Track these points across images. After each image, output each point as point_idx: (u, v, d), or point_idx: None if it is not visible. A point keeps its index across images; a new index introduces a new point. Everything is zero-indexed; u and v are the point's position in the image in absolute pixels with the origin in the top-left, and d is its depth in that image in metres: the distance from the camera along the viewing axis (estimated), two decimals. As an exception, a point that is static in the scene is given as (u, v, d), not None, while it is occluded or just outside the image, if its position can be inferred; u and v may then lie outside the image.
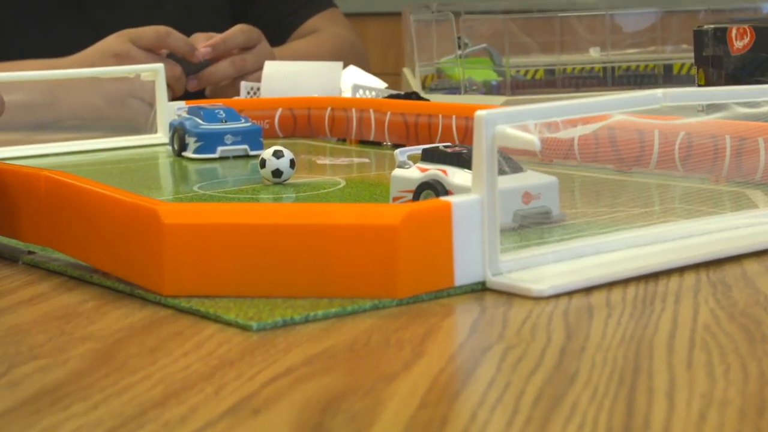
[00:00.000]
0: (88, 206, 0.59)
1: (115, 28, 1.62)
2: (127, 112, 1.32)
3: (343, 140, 1.17)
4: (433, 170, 0.70)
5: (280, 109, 1.21)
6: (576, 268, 0.57)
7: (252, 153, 1.04)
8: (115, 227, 0.57)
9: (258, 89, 1.32)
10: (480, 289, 0.55)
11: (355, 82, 1.28)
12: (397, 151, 0.73)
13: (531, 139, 0.54)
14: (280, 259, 0.53)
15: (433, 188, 0.69)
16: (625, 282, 0.56)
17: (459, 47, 1.46)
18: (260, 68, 1.40)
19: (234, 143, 1.05)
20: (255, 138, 1.06)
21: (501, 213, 0.54)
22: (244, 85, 1.33)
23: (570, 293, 0.54)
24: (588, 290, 0.55)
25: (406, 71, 1.52)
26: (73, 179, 0.62)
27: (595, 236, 0.61)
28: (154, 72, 1.19)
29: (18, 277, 0.62)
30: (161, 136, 1.19)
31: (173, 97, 1.35)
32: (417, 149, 0.73)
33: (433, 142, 1.06)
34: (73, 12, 1.65)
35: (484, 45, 1.46)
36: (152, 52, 1.39)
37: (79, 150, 1.15)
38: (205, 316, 0.52)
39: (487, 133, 0.55)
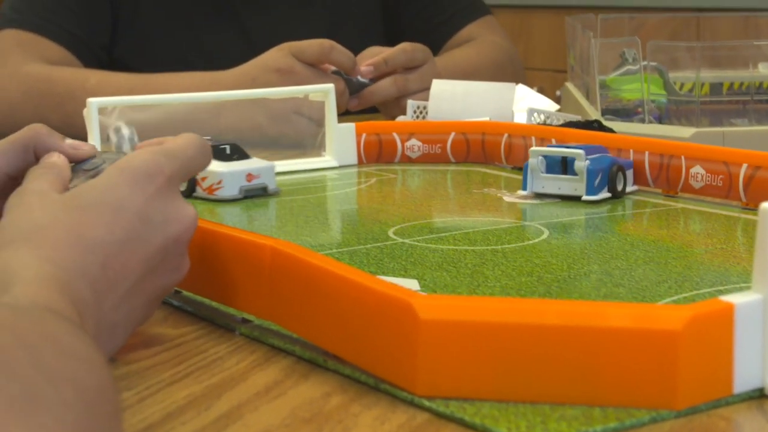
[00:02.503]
0: (323, 286, 0.55)
1: (266, 34, 1.59)
2: (290, 129, 1.29)
3: (520, 168, 1.12)
4: None
5: (453, 133, 1.17)
6: None
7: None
8: (358, 314, 0.53)
9: (425, 108, 1.28)
10: (758, 396, 0.50)
11: (528, 104, 1.23)
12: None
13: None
14: (546, 362, 0.49)
15: None
16: None
17: (628, 62, 1.40)
18: (424, 88, 1.35)
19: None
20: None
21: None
22: (410, 104, 1.29)
23: None
24: None
25: (570, 87, 1.46)
26: (302, 253, 0.58)
27: None
28: (324, 93, 1.15)
29: (241, 354, 0.59)
30: (330, 159, 1.16)
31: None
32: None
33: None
34: (224, 18, 1.62)
35: (654, 63, 1.40)
36: (315, 66, 1.35)
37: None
38: (470, 426, 0.47)
39: (777, 229, 0.49)
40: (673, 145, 0.98)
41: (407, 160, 1.17)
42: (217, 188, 0.99)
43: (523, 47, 3.50)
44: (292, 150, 1.21)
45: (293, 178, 1.10)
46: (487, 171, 1.13)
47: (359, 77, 1.38)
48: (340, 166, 1.16)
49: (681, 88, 1.47)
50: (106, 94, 1.39)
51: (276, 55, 1.36)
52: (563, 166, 0.95)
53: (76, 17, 1.54)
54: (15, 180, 0.60)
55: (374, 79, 1.38)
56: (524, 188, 0.97)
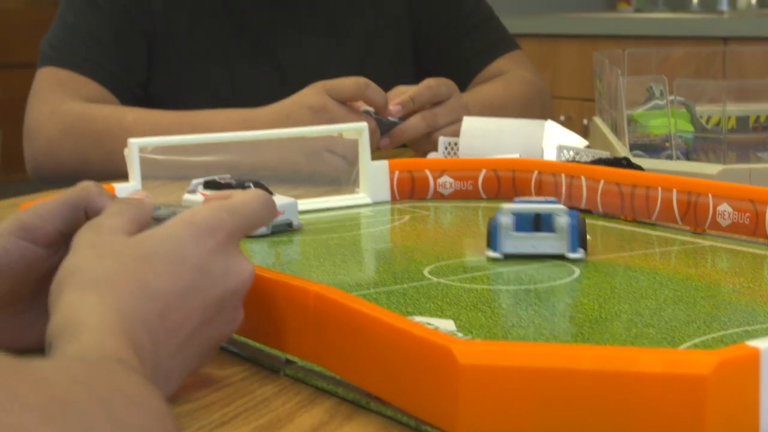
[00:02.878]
0: (365, 330, 0.58)
1: (299, 70, 1.63)
2: (324, 167, 1.31)
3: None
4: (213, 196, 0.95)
5: (484, 170, 1.19)
6: None
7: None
8: (399, 358, 0.55)
9: (456, 145, 1.30)
10: (783, 437, 0.52)
11: (558, 141, 1.25)
12: (193, 181, 1.05)
13: None
14: (581, 405, 0.51)
15: None
16: None
17: (655, 96, 1.42)
18: (453, 121, 1.38)
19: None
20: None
21: None
22: (442, 141, 1.32)
23: None
24: None
25: (598, 121, 1.49)
26: (345, 298, 0.60)
27: None
28: (358, 131, 1.18)
29: (287, 395, 0.61)
30: (364, 196, 1.18)
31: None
32: (211, 178, 1.06)
33: (651, 216, 1.04)
34: (258, 54, 1.66)
35: (681, 98, 1.42)
36: (347, 105, 1.38)
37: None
38: (509, 468, 0.50)
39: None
40: (700, 183, 1.01)
41: (440, 196, 1.20)
42: None
43: (550, 75, 3.53)
44: (327, 187, 1.24)
45: (328, 216, 1.13)
46: (518, 207, 1.15)
47: (389, 117, 1.41)
48: (374, 203, 1.18)
49: (708, 122, 1.49)
50: (142, 131, 1.43)
51: (310, 93, 1.39)
52: (536, 222, 0.90)
53: (113, 55, 1.58)
54: (67, 236, 0.63)
55: (403, 117, 1.41)
56: (493, 248, 0.90)
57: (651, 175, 1.07)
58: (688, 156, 1.30)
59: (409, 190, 1.20)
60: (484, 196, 1.20)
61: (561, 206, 0.91)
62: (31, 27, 5.81)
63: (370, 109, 1.41)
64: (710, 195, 0.99)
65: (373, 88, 1.37)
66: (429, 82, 1.44)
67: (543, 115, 1.65)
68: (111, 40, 1.59)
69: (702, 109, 1.46)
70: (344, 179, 1.23)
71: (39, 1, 5.91)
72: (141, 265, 0.57)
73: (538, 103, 1.67)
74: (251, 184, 1.05)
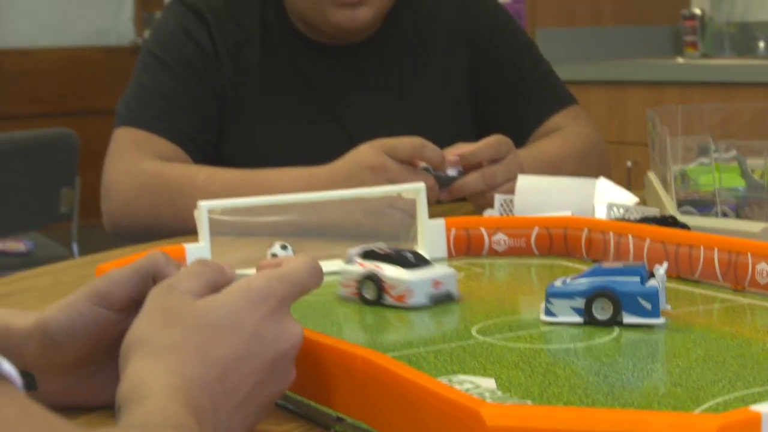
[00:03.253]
0: (405, 392, 0.64)
1: (362, 127, 1.69)
2: (385, 223, 1.37)
3: (598, 261, 1.20)
4: (371, 266, 1.03)
5: (536, 228, 1.25)
6: None
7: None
8: (435, 418, 0.61)
9: (511, 202, 1.36)
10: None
11: (608, 199, 1.30)
12: (350, 250, 1.05)
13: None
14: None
15: (372, 279, 1.02)
16: None
17: (706, 152, 1.47)
18: (510, 179, 1.43)
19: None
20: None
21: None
22: (497, 199, 1.37)
23: None
24: None
25: (652, 176, 1.53)
26: (388, 363, 0.66)
27: None
28: (416, 191, 1.24)
29: (336, 451, 0.67)
30: (421, 252, 1.24)
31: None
32: (369, 248, 1.06)
33: (694, 274, 1.08)
34: (324, 113, 1.73)
35: (733, 152, 1.46)
36: (407, 163, 1.44)
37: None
38: None
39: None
40: (739, 243, 1.05)
41: (494, 253, 1.25)
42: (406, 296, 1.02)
43: (618, 121, 3.58)
44: (387, 242, 1.30)
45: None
46: (569, 264, 1.20)
47: (447, 171, 1.47)
48: (432, 260, 1.24)
49: (762, 176, 1.54)
50: (213, 190, 1.50)
51: (368, 153, 1.45)
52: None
53: (186, 116, 1.66)
54: (137, 302, 0.70)
55: (463, 173, 1.47)
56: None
57: (694, 234, 1.12)
58: (738, 212, 1.34)
59: (465, 247, 1.26)
60: (536, 252, 1.25)
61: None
62: (109, 75, 5.99)
63: (429, 165, 1.47)
64: (749, 254, 1.04)
65: (430, 148, 1.43)
66: (490, 141, 1.50)
67: (600, 168, 1.70)
68: (184, 102, 1.67)
69: (755, 164, 1.50)
70: (403, 235, 1.29)
71: (117, 51, 6.08)
72: (204, 334, 0.63)
73: (595, 158, 1.72)
74: (409, 254, 1.06)
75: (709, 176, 1.41)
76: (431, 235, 1.25)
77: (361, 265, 1.04)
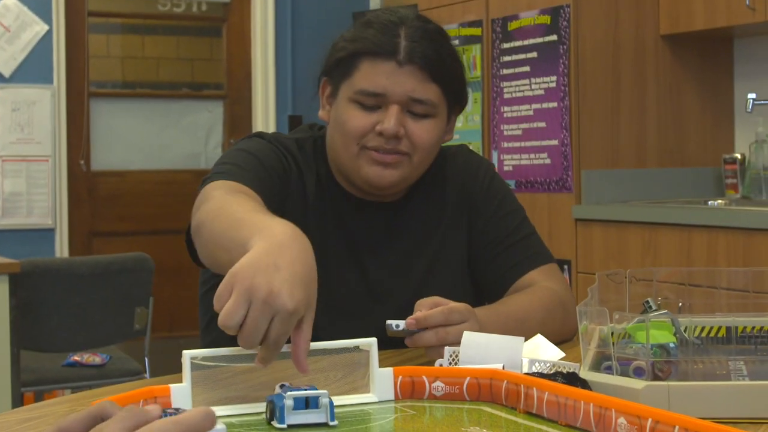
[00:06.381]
0: None
1: (380, 271, 1.96)
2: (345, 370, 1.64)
3: (514, 409, 1.44)
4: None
5: (468, 378, 1.50)
6: None
7: None
8: None
9: (458, 354, 1.61)
10: None
11: (538, 354, 1.55)
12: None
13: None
14: None
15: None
16: None
17: (650, 310, 1.72)
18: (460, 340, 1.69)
19: None
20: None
21: None
22: (447, 350, 1.62)
23: None
24: None
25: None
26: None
27: None
28: (368, 345, 1.51)
29: None
30: (373, 396, 1.50)
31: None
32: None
33: (576, 423, 1.32)
34: (352, 262, 2.00)
35: (665, 311, 1.71)
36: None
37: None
38: None
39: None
40: (606, 400, 1.29)
41: (433, 397, 1.51)
42: None
43: (651, 259, 3.81)
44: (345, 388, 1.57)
45: (345, 411, 1.45)
46: (489, 410, 1.45)
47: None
48: (380, 401, 1.50)
49: (703, 332, 1.77)
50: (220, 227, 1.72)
51: None
52: (306, 403, 1.37)
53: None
54: None
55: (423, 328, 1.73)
56: (281, 422, 1.35)
57: (587, 393, 1.35)
58: (654, 367, 1.57)
59: (409, 391, 1.52)
60: (467, 398, 1.50)
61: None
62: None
63: (401, 321, 1.72)
64: (613, 410, 1.28)
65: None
66: (443, 309, 1.73)
67: (565, 322, 1.94)
68: (261, 189, 1.87)
69: (692, 321, 1.73)
70: (360, 383, 1.55)
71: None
72: None
73: (560, 313, 1.95)
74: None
75: (643, 333, 1.65)
76: (381, 380, 1.51)
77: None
